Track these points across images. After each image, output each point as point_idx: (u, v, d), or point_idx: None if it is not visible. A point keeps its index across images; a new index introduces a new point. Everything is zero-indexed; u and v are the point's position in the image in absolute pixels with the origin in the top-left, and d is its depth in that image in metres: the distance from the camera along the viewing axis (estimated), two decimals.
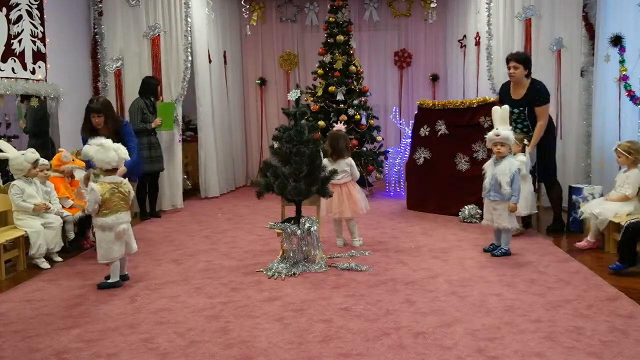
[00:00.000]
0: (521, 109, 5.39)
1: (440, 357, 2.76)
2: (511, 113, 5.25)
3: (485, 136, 4.79)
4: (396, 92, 10.01)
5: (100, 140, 4.02)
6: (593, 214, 4.73)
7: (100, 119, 5.16)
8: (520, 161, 5.17)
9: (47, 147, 5.70)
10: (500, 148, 4.61)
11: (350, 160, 5.03)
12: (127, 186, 4.08)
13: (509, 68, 5.37)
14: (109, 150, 3.95)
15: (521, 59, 5.34)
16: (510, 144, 4.63)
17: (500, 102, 5.43)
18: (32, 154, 4.69)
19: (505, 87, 5.59)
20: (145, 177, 6.48)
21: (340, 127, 5.30)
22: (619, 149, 4.76)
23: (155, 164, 6.62)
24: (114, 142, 4.09)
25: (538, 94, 5.33)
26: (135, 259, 4.67)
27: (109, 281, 4.01)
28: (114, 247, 3.96)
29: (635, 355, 2.74)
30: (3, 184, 4.98)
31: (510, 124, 5.25)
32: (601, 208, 4.71)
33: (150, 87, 6.67)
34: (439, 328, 3.11)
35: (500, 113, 4.69)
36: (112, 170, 4.02)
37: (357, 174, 5.10)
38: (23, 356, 2.89)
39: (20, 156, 4.64)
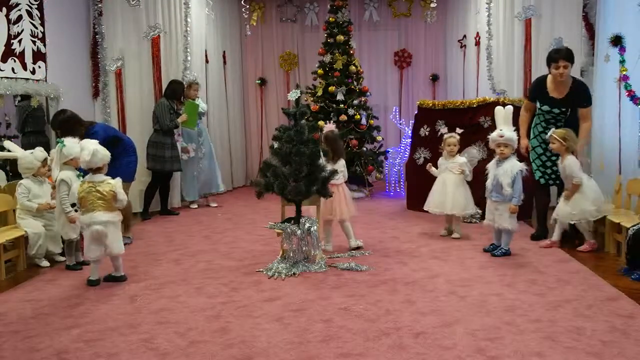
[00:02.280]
0: (563, 109, 4.99)
1: (440, 357, 2.76)
2: (547, 113, 5.02)
3: (488, 136, 4.79)
4: (396, 92, 10.02)
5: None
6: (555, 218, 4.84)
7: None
8: (461, 162, 5.27)
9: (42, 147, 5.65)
10: (504, 149, 4.61)
11: (343, 161, 4.99)
12: (109, 186, 4.02)
13: (557, 67, 4.84)
14: (82, 150, 4.07)
15: (571, 57, 4.88)
16: (514, 145, 4.62)
17: (532, 100, 5.17)
18: (41, 152, 4.67)
19: (541, 84, 5.08)
20: (165, 176, 6.81)
21: (331, 126, 5.22)
22: (554, 135, 4.75)
23: (175, 163, 6.82)
24: None
25: (585, 93, 4.97)
26: (135, 259, 4.67)
27: (89, 278, 4.09)
28: (90, 246, 4.01)
29: (635, 356, 2.74)
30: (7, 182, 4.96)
31: (539, 124, 5.07)
32: (559, 211, 4.79)
33: (179, 92, 6.86)
34: (439, 328, 3.11)
35: (504, 113, 4.68)
36: (96, 170, 4.06)
37: (347, 175, 5.07)
38: (23, 356, 2.89)
39: (29, 155, 4.62)
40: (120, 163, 5.45)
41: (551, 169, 5.11)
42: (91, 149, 4.02)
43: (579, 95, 4.95)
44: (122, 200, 4.08)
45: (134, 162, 5.79)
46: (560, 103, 4.97)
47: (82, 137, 4.88)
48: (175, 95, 6.83)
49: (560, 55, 4.84)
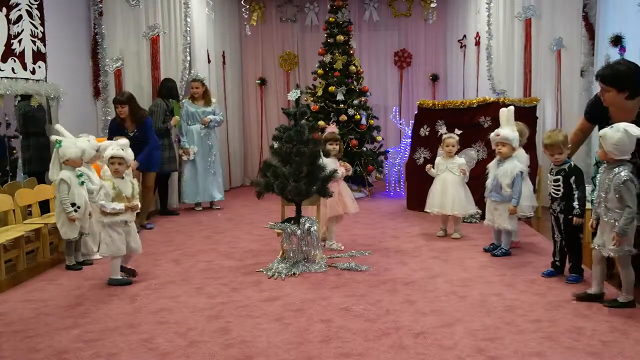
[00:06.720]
0: None
1: (440, 357, 2.76)
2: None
3: (489, 136, 4.79)
4: (396, 92, 10.01)
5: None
6: None
7: (124, 109, 5.72)
8: (460, 163, 5.29)
9: (42, 148, 5.65)
10: (502, 148, 4.61)
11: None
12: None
13: (601, 92, 3.68)
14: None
15: (616, 80, 3.59)
16: (512, 144, 4.60)
17: (590, 121, 4.06)
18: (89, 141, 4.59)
19: (598, 106, 3.83)
20: (163, 176, 6.78)
21: (333, 128, 5.36)
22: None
23: (172, 164, 6.82)
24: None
25: None
26: (135, 259, 4.66)
27: None
28: None
29: (635, 355, 2.74)
30: (8, 181, 4.94)
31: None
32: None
33: (174, 90, 6.82)
34: (439, 328, 3.11)
35: (505, 114, 4.67)
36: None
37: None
38: (23, 356, 2.89)
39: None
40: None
41: None
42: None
43: None
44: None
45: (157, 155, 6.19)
46: None
47: (142, 119, 5.77)
48: (170, 93, 6.76)
49: (597, 77, 3.67)
